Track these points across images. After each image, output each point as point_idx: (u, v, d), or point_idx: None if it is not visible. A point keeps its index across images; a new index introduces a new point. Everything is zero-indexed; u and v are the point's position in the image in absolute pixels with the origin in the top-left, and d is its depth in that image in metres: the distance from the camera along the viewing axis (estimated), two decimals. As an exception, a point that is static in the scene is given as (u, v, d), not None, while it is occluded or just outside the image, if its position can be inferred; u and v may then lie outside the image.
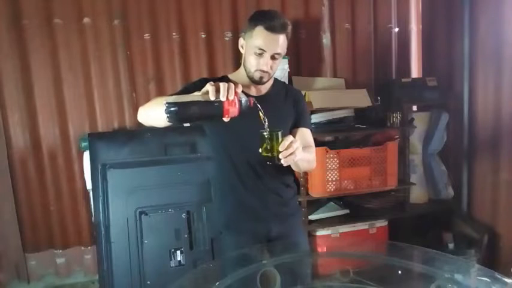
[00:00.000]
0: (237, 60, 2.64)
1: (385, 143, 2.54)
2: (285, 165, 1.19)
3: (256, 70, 1.37)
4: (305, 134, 1.47)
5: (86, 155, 2.41)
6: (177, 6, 2.63)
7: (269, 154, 1.19)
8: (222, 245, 1.55)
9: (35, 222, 2.61)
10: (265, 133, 1.19)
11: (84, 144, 2.43)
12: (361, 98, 2.54)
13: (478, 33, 2.46)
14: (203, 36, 2.68)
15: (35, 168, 2.57)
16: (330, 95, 2.57)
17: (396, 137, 2.69)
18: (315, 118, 2.53)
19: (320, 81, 2.78)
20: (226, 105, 1.07)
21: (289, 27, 1.36)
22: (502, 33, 2.28)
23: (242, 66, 1.43)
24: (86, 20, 2.52)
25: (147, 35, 2.62)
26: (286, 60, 2.48)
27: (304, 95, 2.46)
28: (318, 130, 2.51)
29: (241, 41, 1.42)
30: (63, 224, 2.65)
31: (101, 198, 2.29)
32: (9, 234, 2.57)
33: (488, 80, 2.41)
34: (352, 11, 2.93)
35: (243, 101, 1.11)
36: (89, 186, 2.41)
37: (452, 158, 2.76)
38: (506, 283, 1.01)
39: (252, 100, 1.16)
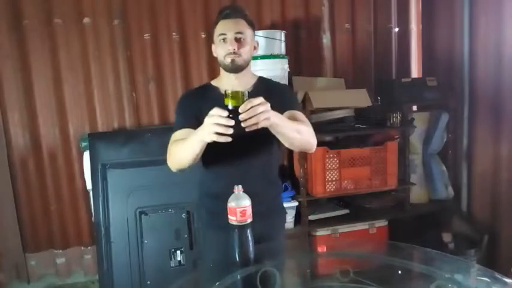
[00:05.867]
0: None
1: (385, 143, 2.54)
2: (247, 130, 1.08)
3: (225, 55, 1.41)
4: (293, 113, 1.38)
5: (86, 155, 2.41)
6: (177, 6, 2.63)
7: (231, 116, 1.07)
8: (204, 244, 1.54)
9: (35, 222, 2.61)
10: (228, 91, 1.10)
11: (84, 144, 2.43)
12: (361, 98, 2.54)
13: (478, 33, 2.46)
14: (203, 36, 2.68)
15: (35, 168, 2.57)
16: (330, 95, 2.57)
17: (396, 137, 2.68)
18: (315, 118, 2.53)
19: (320, 81, 2.78)
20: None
21: (245, 12, 1.45)
22: (502, 33, 2.28)
23: (221, 70, 1.49)
24: (86, 20, 2.52)
25: (147, 35, 2.62)
26: (286, 60, 2.48)
27: (304, 95, 2.46)
28: (318, 130, 2.50)
29: (213, 48, 1.49)
30: (63, 224, 2.65)
31: (100, 198, 2.29)
32: (9, 234, 2.57)
33: (488, 80, 2.41)
34: (352, 11, 2.93)
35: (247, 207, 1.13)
36: (89, 186, 2.41)
37: (452, 158, 2.76)
38: (506, 283, 1.01)
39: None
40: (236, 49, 1.39)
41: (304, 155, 2.46)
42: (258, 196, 1.34)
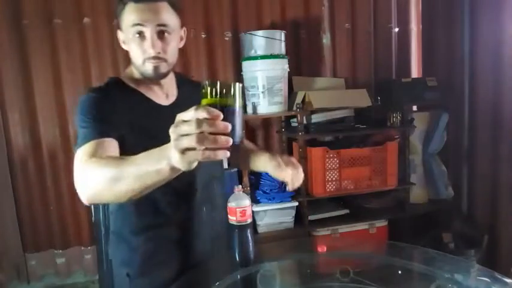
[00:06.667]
0: (238, 60, 2.65)
1: (385, 143, 2.54)
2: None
3: (144, 60, 1.04)
4: None
5: (86, 155, 2.41)
6: (177, 6, 2.63)
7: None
8: None
9: (35, 222, 2.61)
10: (207, 82, 0.69)
11: (84, 144, 2.43)
12: (361, 98, 2.54)
13: (478, 33, 2.46)
14: (203, 36, 2.68)
15: (35, 168, 2.57)
16: (330, 95, 2.58)
17: (396, 137, 2.69)
18: (315, 118, 2.53)
19: (320, 81, 2.78)
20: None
21: None
22: (502, 33, 2.28)
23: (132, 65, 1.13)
24: (86, 20, 2.52)
25: (147, 35, 2.62)
26: (286, 60, 2.48)
27: (304, 95, 2.46)
28: (318, 130, 2.51)
29: (120, 36, 1.13)
30: (63, 224, 2.64)
31: (101, 198, 2.28)
32: (9, 234, 2.57)
33: (488, 80, 2.41)
34: (352, 11, 2.93)
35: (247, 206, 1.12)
36: (89, 186, 2.41)
37: (452, 158, 2.76)
38: (506, 283, 1.01)
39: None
40: (160, 51, 1.03)
41: (304, 155, 2.46)
42: (204, 218, 1.26)
